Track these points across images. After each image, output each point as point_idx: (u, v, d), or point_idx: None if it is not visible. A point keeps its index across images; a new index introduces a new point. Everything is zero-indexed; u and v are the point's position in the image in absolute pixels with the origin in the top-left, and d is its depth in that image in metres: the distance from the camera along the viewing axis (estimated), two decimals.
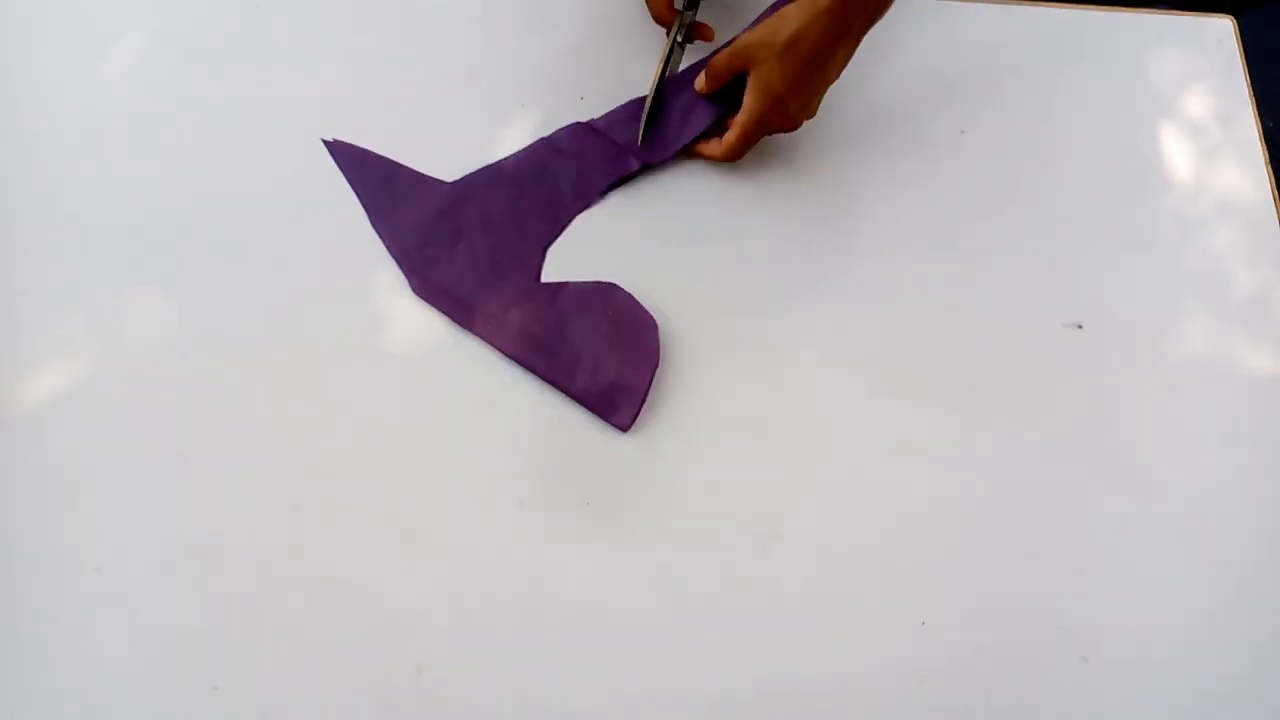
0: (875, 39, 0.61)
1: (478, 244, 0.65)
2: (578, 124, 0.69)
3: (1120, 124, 0.72)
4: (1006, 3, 0.76)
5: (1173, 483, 0.59)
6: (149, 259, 0.65)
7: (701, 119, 0.67)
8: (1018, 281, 0.65)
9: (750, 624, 0.55)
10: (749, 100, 0.62)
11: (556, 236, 0.66)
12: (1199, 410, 0.61)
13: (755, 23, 0.64)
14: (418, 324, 0.63)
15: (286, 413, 0.60)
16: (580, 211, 0.66)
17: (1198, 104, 0.73)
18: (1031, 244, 0.67)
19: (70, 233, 0.66)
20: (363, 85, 0.71)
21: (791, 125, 0.64)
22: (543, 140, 0.68)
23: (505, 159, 0.68)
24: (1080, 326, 0.64)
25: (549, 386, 0.60)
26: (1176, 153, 0.71)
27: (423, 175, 0.67)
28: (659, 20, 0.68)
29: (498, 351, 0.61)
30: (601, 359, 0.60)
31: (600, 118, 0.69)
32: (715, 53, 0.65)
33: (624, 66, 0.71)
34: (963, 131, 0.70)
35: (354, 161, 0.67)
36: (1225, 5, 1.08)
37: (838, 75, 0.62)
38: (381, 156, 0.67)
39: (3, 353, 0.61)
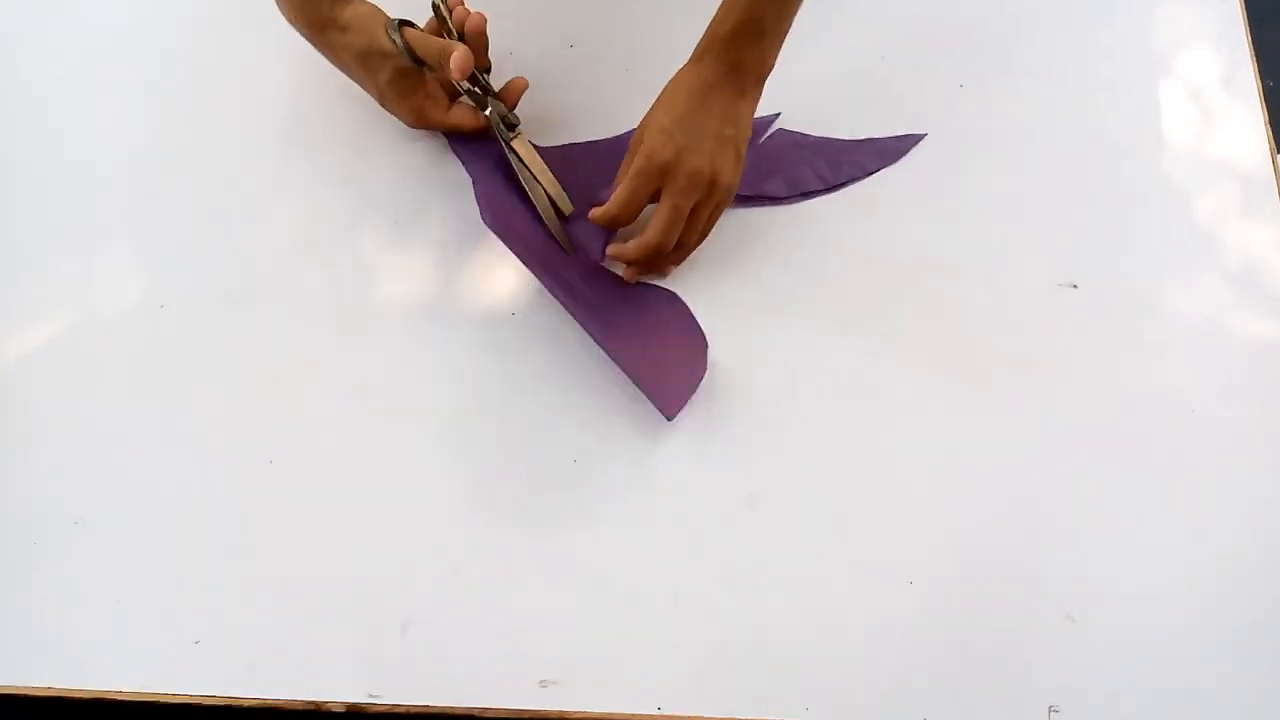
0: None
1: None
2: None
3: (1120, 81, 0.71)
4: None
5: (1165, 444, 0.59)
6: (129, 209, 0.64)
7: None
8: (1013, 240, 0.64)
9: (736, 581, 0.55)
10: (639, 146, 0.58)
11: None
12: (1193, 372, 0.61)
13: None
14: (401, 278, 0.62)
15: (269, 365, 0.59)
16: None
17: (1198, 62, 0.72)
18: (1028, 202, 0.66)
19: (49, 182, 0.64)
20: None
21: (693, 178, 0.56)
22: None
23: (608, 139, 0.66)
24: (1076, 286, 0.63)
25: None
26: (1176, 111, 0.70)
27: None
28: (480, 132, 0.63)
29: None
30: (655, 353, 0.59)
31: None
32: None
33: (612, 11, 0.69)
34: (961, 86, 0.69)
35: None
36: None
37: (729, 130, 0.57)
38: None
39: None
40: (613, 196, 0.58)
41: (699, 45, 0.58)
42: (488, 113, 0.61)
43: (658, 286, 0.62)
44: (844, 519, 0.56)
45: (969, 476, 0.58)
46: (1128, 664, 0.54)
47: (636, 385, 0.57)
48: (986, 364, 0.61)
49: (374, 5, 0.61)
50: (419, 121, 0.63)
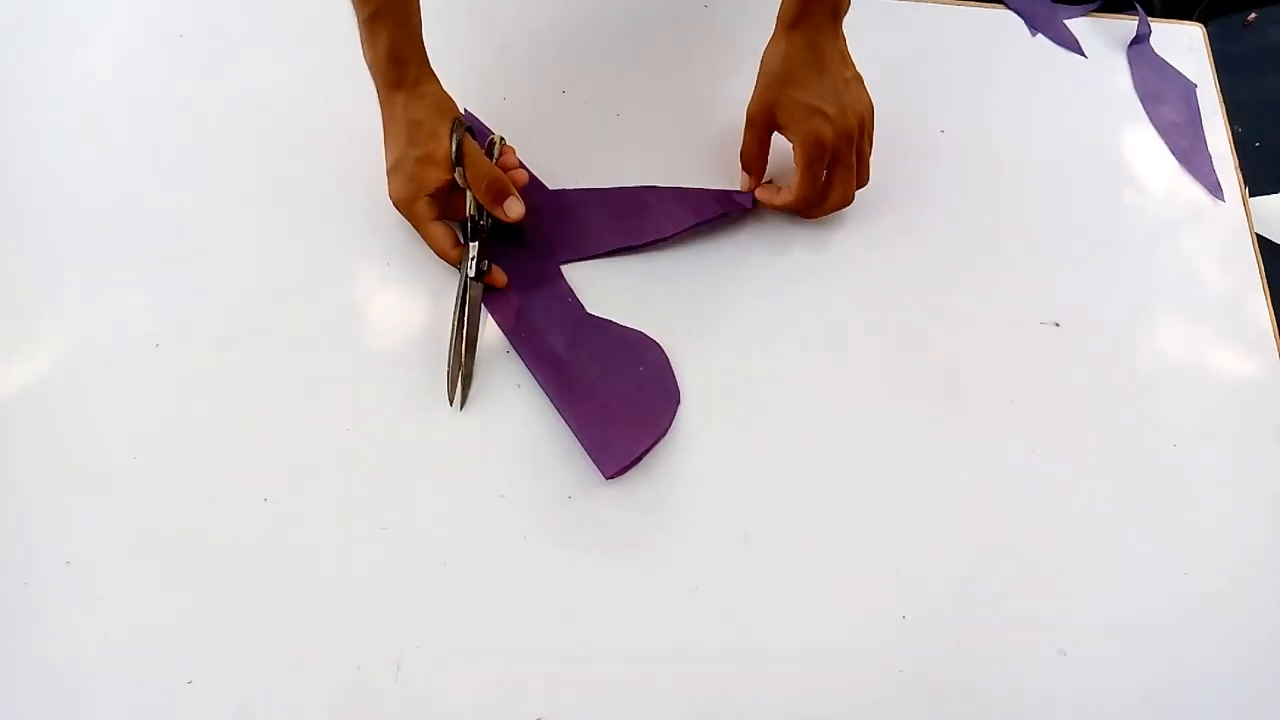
0: (854, 38, 0.61)
1: (544, 253, 0.63)
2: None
3: (1095, 126, 0.73)
4: (983, 5, 0.77)
5: (1149, 478, 0.60)
6: (123, 248, 0.64)
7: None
8: (997, 280, 0.66)
9: (732, 618, 0.55)
10: (796, 134, 0.60)
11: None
12: (1174, 408, 0.63)
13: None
14: (395, 316, 0.62)
15: (262, 405, 0.59)
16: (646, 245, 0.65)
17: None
18: (1011, 242, 0.67)
19: (45, 220, 0.64)
20: (343, 71, 0.70)
21: (849, 137, 0.60)
22: (650, 187, 0.67)
23: (608, 188, 0.66)
24: (1059, 325, 0.64)
25: (528, 378, 0.60)
26: (1150, 155, 0.72)
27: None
28: (447, 258, 0.62)
29: (514, 357, 0.61)
30: (614, 408, 0.59)
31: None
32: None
33: (603, 60, 0.71)
34: (942, 131, 0.71)
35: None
36: (1194, 12, 1.11)
37: (848, 72, 0.60)
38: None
39: None
40: (795, 188, 0.62)
41: (784, 13, 0.59)
42: (473, 246, 0.61)
43: (643, 336, 0.62)
44: (837, 555, 0.57)
45: (958, 512, 0.58)
46: (1118, 696, 0.54)
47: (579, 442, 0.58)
48: (973, 401, 0.62)
49: (453, 100, 0.61)
50: (409, 204, 0.60)
